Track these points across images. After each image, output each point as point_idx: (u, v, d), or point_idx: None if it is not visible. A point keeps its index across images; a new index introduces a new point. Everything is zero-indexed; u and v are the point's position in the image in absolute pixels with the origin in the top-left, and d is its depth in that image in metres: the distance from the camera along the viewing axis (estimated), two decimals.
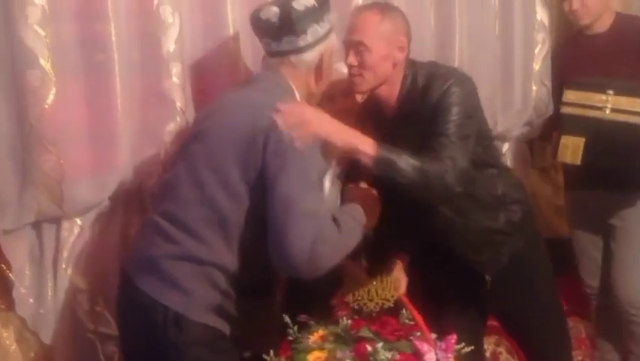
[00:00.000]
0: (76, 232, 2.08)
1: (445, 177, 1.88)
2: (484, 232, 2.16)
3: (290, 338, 1.88)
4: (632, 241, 2.77)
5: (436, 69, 2.07)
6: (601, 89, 2.63)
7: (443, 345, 1.84)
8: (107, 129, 2.03)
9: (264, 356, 1.84)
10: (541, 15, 3.08)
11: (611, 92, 2.61)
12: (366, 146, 1.84)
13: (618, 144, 2.59)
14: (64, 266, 2.07)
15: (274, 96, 1.78)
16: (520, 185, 2.33)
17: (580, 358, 2.98)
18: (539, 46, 3.08)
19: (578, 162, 2.63)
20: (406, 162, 1.85)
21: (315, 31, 1.85)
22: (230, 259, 1.77)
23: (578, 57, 2.83)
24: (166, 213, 1.82)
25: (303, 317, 1.95)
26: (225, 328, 1.82)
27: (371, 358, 1.77)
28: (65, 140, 1.96)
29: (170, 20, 2.08)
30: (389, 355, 1.79)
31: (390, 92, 2.06)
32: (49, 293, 2.07)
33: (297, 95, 1.87)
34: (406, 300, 2.05)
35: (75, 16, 1.96)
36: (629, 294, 2.77)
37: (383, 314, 1.98)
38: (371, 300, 1.98)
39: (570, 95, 2.70)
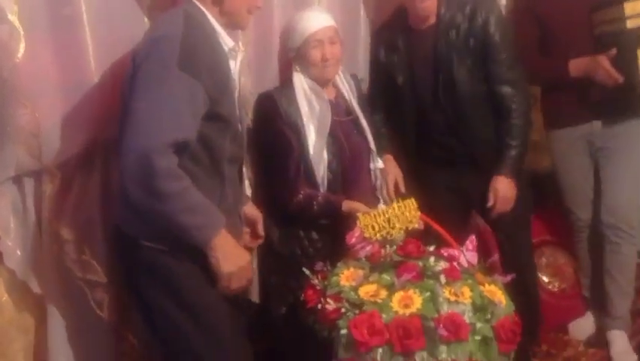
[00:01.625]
0: (57, 184, 2.12)
1: (529, 105, 2.61)
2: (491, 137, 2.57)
3: (317, 287, 1.93)
4: (622, 159, 2.79)
5: None
6: None
7: (469, 245, 1.93)
8: (81, 80, 2.05)
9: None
10: None
11: None
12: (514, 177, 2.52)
13: None
14: (47, 218, 2.12)
15: (166, 26, 1.83)
16: None
17: (557, 283, 3.06)
18: None
19: None
20: (517, 152, 2.52)
21: None
22: None
23: None
24: None
25: (319, 265, 2.02)
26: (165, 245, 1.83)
27: (428, 272, 1.84)
28: (39, 93, 1.99)
29: None
30: (441, 264, 1.86)
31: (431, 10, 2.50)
32: (36, 245, 2.12)
33: (213, 21, 1.90)
34: (425, 216, 2.08)
35: None
36: (617, 211, 2.78)
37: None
38: (393, 227, 1.99)
39: (630, 9, 2.56)
